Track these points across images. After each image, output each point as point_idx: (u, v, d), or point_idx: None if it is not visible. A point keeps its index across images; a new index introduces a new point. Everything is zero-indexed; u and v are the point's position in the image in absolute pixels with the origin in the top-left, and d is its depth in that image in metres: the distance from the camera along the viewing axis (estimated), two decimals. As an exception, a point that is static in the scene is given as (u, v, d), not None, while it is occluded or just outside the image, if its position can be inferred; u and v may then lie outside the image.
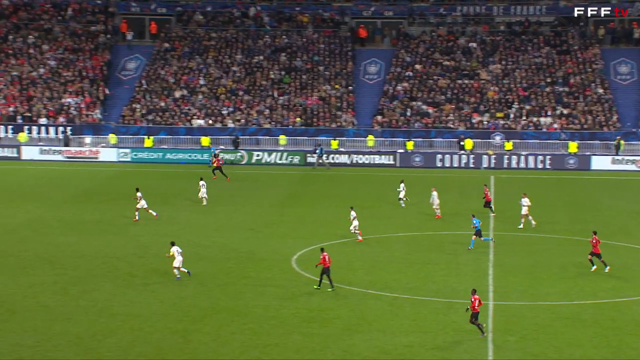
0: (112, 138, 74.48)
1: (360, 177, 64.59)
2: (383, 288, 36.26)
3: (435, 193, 50.15)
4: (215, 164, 63.56)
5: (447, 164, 71.19)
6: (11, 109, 77.97)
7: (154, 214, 48.49)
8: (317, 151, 70.04)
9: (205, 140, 73.67)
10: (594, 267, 39.16)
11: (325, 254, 35.99)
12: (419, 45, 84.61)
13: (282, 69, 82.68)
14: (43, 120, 76.99)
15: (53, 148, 73.23)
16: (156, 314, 32.87)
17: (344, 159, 71.78)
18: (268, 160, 72.11)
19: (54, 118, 77.47)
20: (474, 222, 43.15)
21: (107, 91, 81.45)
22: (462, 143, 72.03)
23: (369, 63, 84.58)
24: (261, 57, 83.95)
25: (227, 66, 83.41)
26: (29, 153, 72.57)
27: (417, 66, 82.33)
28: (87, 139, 74.60)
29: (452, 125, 76.26)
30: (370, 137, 74.40)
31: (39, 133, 76.15)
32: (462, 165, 71.12)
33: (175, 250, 37.23)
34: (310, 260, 39.17)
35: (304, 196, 57.98)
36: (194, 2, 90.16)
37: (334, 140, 73.05)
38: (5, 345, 29.40)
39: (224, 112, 78.62)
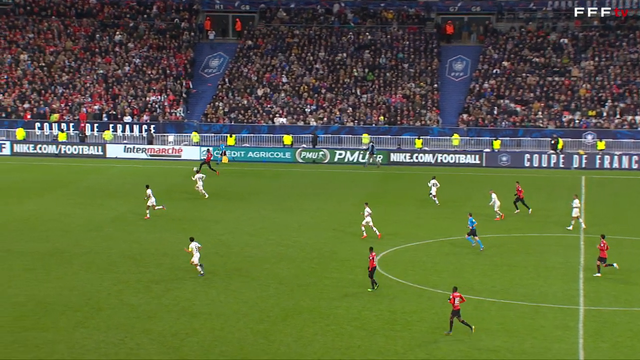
0: (194, 136, 75.59)
1: (445, 177, 63.96)
2: (468, 291, 35.85)
3: (494, 195, 49.55)
4: (207, 159, 64.78)
5: (536, 164, 70.04)
6: (97, 107, 79.85)
7: (153, 209, 49.48)
8: (369, 149, 70.22)
9: (287, 139, 74.14)
10: (599, 274, 38.29)
11: (373, 253, 36.00)
12: (507, 42, 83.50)
13: (365, 67, 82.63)
14: (127, 119, 78.62)
15: (137, 146, 74.69)
16: (237, 313, 33.21)
17: (428, 158, 71.31)
18: (350, 159, 72.17)
19: (138, 116, 79.05)
20: (470, 221, 42.81)
21: (190, 88, 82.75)
22: (554, 142, 70.72)
23: (454, 60, 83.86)
24: (344, 54, 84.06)
25: (310, 63, 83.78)
26: (114, 151, 74.20)
27: (505, 63, 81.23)
28: (170, 137, 75.90)
29: (541, 124, 75.02)
30: (456, 136, 73.75)
31: (123, 131, 77.78)
32: (552, 165, 69.90)
33: (194, 246, 37.98)
34: (393, 261, 39.09)
35: (386, 196, 57.81)
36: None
37: (418, 139, 72.64)
38: (90, 342, 30.12)
39: (307, 110, 78.99)
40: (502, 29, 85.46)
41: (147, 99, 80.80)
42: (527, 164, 70.09)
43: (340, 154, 72.42)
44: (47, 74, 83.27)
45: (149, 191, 49.45)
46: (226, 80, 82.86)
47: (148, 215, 49.26)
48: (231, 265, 39.75)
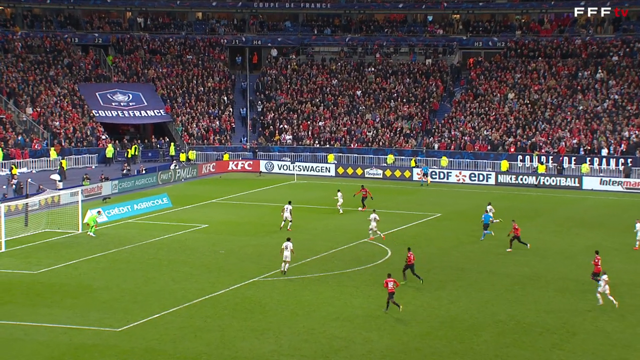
0: (672, 171, 71.47)
1: None
2: None
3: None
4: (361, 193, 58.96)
5: None
6: (575, 141, 79.29)
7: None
8: None
9: None
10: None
11: (410, 253, 39.05)
12: None
13: None
14: (604, 152, 76.89)
15: (613, 179, 72.66)
16: None
17: None
18: None
19: (614, 150, 76.87)
20: (484, 216, 48.73)
21: (669, 124, 78.46)
22: None
23: None
24: None
25: None
26: (590, 183, 72.91)
27: None
28: (647, 171, 72.69)
29: None
30: None
31: (599, 164, 76.27)
32: None
33: (285, 245, 39.95)
34: None
35: None
36: None
37: None
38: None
39: None
40: None
41: (624, 133, 78.20)
42: None
43: None
44: (531, 110, 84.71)
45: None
46: None
47: (637, 246, 47.55)
48: None
